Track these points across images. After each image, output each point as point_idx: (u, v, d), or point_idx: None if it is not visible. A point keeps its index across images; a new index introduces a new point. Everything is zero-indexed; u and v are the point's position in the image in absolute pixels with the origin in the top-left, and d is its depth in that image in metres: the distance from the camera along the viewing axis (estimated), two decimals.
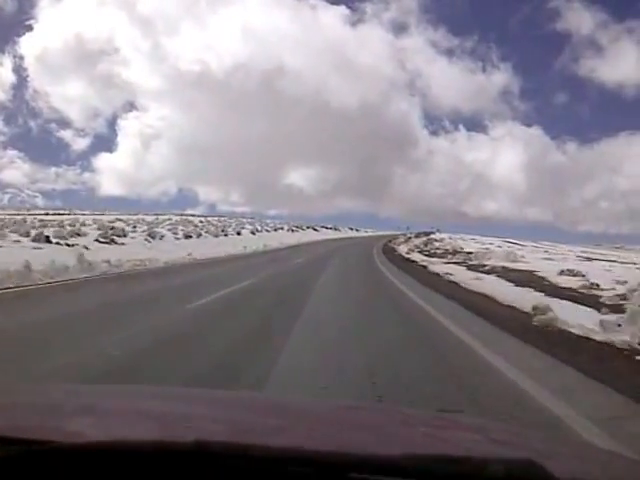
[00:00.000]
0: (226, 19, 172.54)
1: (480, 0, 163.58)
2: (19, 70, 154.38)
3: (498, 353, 5.07)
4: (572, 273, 16.21)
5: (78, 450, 0.79)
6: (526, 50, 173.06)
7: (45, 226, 29.16)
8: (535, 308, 7.29)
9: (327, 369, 4.44)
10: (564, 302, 9.77)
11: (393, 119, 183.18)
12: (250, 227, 59.45)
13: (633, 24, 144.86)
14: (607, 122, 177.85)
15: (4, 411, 1.16)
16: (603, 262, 30.14)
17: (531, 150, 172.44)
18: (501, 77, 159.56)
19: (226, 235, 43.42)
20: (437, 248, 38.51)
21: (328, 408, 1.53)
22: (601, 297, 10.37)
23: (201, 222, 56.04)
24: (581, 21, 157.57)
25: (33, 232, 20.63)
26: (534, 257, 29.81)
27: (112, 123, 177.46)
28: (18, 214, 54.07)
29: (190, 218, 64.91)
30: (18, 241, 19.17)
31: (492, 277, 15.97)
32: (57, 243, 19.64)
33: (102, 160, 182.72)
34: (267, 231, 60.07)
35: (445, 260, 25.66)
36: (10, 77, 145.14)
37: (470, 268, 20.00)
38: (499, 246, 46.24)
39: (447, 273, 16.88)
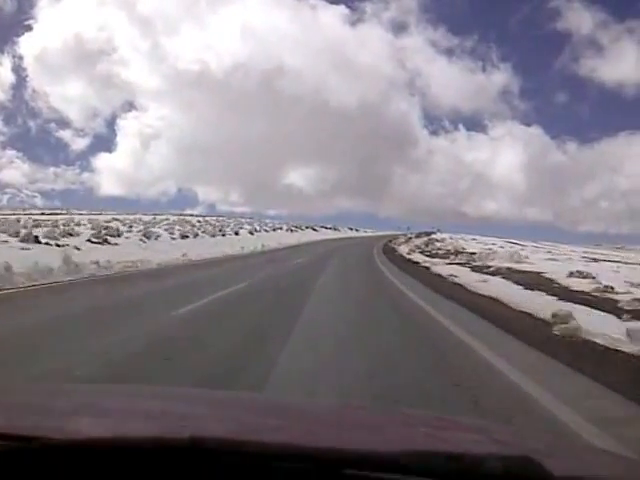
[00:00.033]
0: (226, 19, 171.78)
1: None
2: (18, 70, 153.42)
3: (525, 372, 4.42)
4: (582, 275, 15.56)
5: (75, 446, 0.80)
6: (526, 50, 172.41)
7: (38, 226, 28.49)
8: (555, 316, 6.64)
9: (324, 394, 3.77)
10: (579, 307, 9.10)
11: (393, 119, 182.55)
12: (248, 227, 58.77)
13: (633, 24, 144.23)
14: (607, 122, 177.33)
15: (3, 409, 1.16)
16: (609, 263, 29.53)
17: (531, 150, 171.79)
18: (501, 77, 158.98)
19: (224, 235, 42.74)
20: (438, 248, 37.86)
21: (327, 408, 1.55)
22: (618, 302, 9.72)
23: (199, 222, 55.35)
24: (581, 21, 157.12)
25: (23, 232, 19.96)
26: (537, 258, 29.17)
27: (111, 123, 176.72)
28: (14, 214, 53.39)
29: (188, 218, 64.20)
30: (6, 241, 18.50)
31: (498, 279, 15.31)
32: (46, 243, 18.97)
33: (101, 160, 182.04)
34: (266, 231, 59.39)
35: (447, 261, 25.01)
36: (9, 77, 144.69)
37: (474, 269, 19.35)
38: (501, 246, 45.61)
39: (451, 275, 16.23)
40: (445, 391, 3.89)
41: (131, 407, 1.26)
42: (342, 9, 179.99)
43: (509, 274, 17.07)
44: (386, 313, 8.23)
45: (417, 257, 29.06)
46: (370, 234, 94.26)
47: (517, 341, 5.82)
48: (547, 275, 16.87)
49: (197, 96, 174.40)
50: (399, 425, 1.28)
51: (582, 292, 11.70)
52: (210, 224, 52.82)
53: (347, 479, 0.76)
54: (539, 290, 11.88)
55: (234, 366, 4.50)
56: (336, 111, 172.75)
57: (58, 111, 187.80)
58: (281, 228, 69.80)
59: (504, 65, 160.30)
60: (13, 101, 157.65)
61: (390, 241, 55.45)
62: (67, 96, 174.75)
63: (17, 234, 19.46)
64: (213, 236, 39.71)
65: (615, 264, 28.64)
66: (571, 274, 15.83)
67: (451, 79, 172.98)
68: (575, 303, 9.59)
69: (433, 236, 58.41)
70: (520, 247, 41.21)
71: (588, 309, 8.91)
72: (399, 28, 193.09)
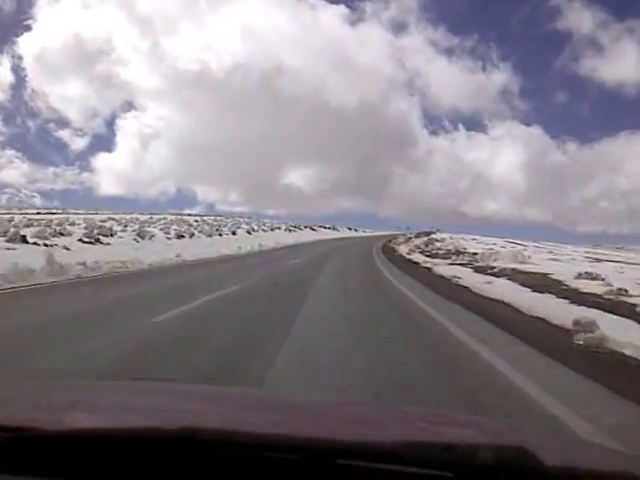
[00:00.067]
0: (225, 18, 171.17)
1: None
2: (17, 70, 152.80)
3: (551, 393, 3.77)
4: (590, 276, 14.96)
5: (69, 437, 0.80)
6: (526, 49, 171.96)
7: (30, 225, 27.84)
8: (577, 323, 6.00)
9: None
10: (594, 311, 8.46)
11: (392, 118, 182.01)
12: (246, 227, 58.10)
13: (634, 23, 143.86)
14: (607, 121, 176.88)
15: (1, 404, 1.16)
16: (612, 263, 28.95)
17: (531, 150, 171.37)
18: (501, 76, 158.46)
19: (220, 235, 42.05)
20: (439, 248, 37.23)
21: (324, 404, 1.56)
22: (636, 305, 9.09)
23: (196, 222, 54.68)
24: (582, 20, 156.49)
25: (12, 231, 19.30)
26: (540, 258, 28.58)
27: (111, 123, 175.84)
28: (8, 213, 52.69)
29: (186, 218, 63.53)
30: None
31: (503, 280, 14.69)
32: (34, 243, 18.30)
33: (101, 160, 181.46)
34: (264, 231, 58.71)
35: (449, 261, 24.38)
36: (8, 77, 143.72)
37: (477, 270, 18.73)
38: (502, 247, 45.02)
39: (454, 276, 15.60)
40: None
41: (127, 402, 1.25)
42: (342, 9, 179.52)
43: (514, 275, 16.45)
44: (390, 320, 7.59)
45: (417, 257, 28.43)
46: (369, 234, 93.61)
47: (538, 353, 5.16)
48: (554, 276, 16.25)
49: (197, 96, 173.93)
50: (394, 419, 1.27)
51: (594, 295, 11.08)
52: (208, 224, 52.14)
53: (340, 470, 0.76)
54: (548, 293, 11.25)
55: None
56: (336, 111, 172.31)
57: (57, 111, 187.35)
58: (279, 228, 69.10)
59: (504, 65, 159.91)
60: (12, 101, 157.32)
61: (389, 241, 54.82)
62: (66, 96, 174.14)
63: (5, 234, 18.81)
64: (210, 236, 39.03)
65: (618, 264, 28.11)
66: (579, 275, 15.21)
67: (451, 79, 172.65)
68: (588, 307, 8.96)
69: (433, 236, 57.78)
70: (522, 247, 40.62)
71: (604, 314, 8.28)
72: (399, 28, 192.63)
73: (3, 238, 18.24)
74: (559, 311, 8.22)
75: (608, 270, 19.92)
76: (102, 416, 1.06)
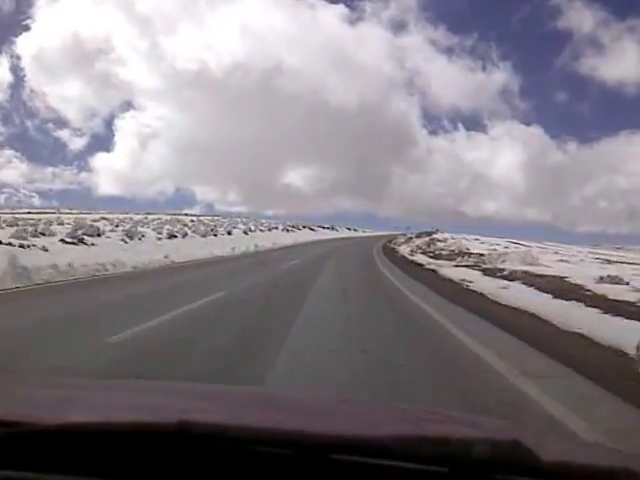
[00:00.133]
0: (225, 18, 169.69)
1: None
2: (16, 70, 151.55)
3: None
4: (613, 280, 13.70)
5: (62, 431, 0.80)
6: (526, 49, 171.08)
7: (14, 225, 26.57)
8: None
9: None
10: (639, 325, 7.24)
11: (392, 118, 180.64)
12: (243, 227, 56.78)
13: (634, 22, 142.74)
14: (608, 121, 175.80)
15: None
16: (626, 265, 27.71)
17: (530, 149, 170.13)
18: (501, 76, 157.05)
19: (215, 235, 40.71)
20: (442, 249, 35.94)
21: (322, 401, 1.53)
22: None
23: (192, 221, 53.43)
24: (582, 19, 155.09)
25: None
26: (548, 259, 27.34)
27: (109, 123, 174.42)
28: (0, 213, 51.43)
29: (181, 217, 62.26)
30: None
31: (519, 285, 13.40)
32: (9, 244, 16.97)
33: (99, 160, 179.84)
34: (261, 231, 57.38)
35: (454, 263, 23.08)
36: (7, 77, 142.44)
37: (486, 273, 17.44)
38: (506, 247, 43.80)
39: (464, 280, 14.32)
40: None
41: (125, 398, 1.25)
42: (341, 8, 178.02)
43: (528, 279, 15.17)
44: (399, 337, 6.30)
45: (420, 259, 27.17)
46: (368, 234, 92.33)
47: (605, 392, 3.86)
48: (572, 280, 14.97)
49: (195, 96, 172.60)
50: (390, 416, 1.26)
51: (627, 303, 9.79)
52: (203, 224, 50.87)
53: (333, 464, 0.76)
54: (574, 300, 9.96)
55: None
56: (335, 110, 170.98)
57: (56, 111, 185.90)
58: (277, 228, 67.78)
59: (504, 64, 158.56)
60: (11, 101, 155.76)
61: (390, 241, 53.58)
62: (65, 96, 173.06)
63: None
64: (204, 236, 37.69)
65: (631, 266, 26.91)
66: (601, 279, 13.96)
67: (451, 78, 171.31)
68: (628, 318, 7.71)
69: (434, 236, 56.49)
70: (526, 248, 39.39)
71: None
72: (398, 27, 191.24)
73: None
74: (600, 325, 6.96)
75: (625, 273, 18.69)
76: (99, 412, 1.05)
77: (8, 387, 1.37)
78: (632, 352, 4.89)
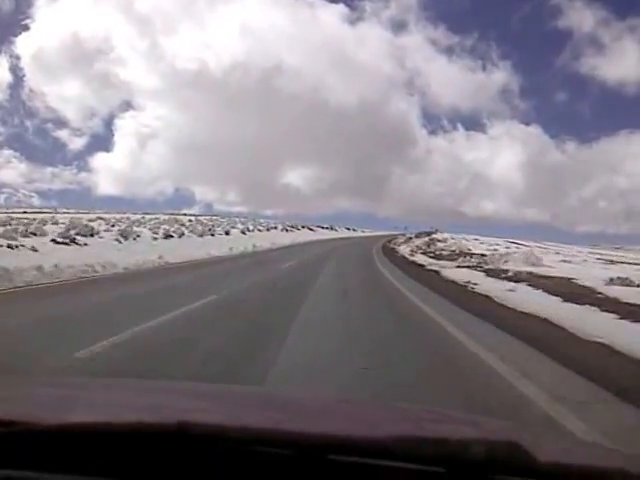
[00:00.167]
0: (224, 17, 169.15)
1: None
2: (15, 70, 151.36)
3: None
4: (624, 282, 13.18)
5: (61, 431, 0.80)
6: (526, 48, 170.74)
7: (7, 224, 25.99)
8: None
9: None
10: None
11: (392, 118, 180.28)
12: (241, 226, 56.18)
13: (635, 22, 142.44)
14: (607, 121, 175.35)
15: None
16: (630, 265, 27.19)
17: (530, 149, 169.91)
18: (501, 75, 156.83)
19: (213, 235, 40.12)
20: (442, 249, 35.42)
21: (322, 402, 1.52)
22: None
23: (190, 221, 52.84)
24: (582, 19, 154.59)
25: None
26: (551, 260, 26.85)
27: (109, 123, 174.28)
28: None
29: (179, 217, 61.62)
30: None
31: (525, 287, 12.87)
32: None
33: (99, 160, 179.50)
34: (259, 231, 56.79)
35: (456, 264, 22.55)
36: (6, 77, 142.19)
37: (489, 274, 16.91)
38: (507, 247, 43.30)
39: (468, 281, 13.78)
40: None
41: (126, 398, 1.24)
42: (341, 8, 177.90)
43: (534, 280, 14.65)
44: (403, 348, 5.76)
45: (421, 259, 26.64)
46: (368, 234, 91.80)
47: None
48: (579, 282, 14.45)
49: (195, 95, 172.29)
50: (390, 416, 1.25)
51: None
52: (201, 223, 50.28)
53: (333, 465, 0.75)
54: (587, 304, 9.42)
55: None
56: (335, 110, 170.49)
57: (55, 111, 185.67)
58: (276, 228, 67.19)
59: (504, 64, 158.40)
60: (10, 101, 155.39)
61: (389, 241, 53.08)
62: (64, 96, 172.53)
63: None
64: (201, 236, 37.10)
65: (634, 266, 26.40)
66: (611, 281, 13.44)
67: (451, 78, 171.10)
68: None
69: (434, 236, 55.96)
70: (527, 248, 38.87)
71: None
72: (399, 27, 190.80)
73: None
74: (620, 332, 6.42)
75: (632, 274, 18.16)
76: (99, 412, 1.05)
77: (8, 387, 1.36)
78: None
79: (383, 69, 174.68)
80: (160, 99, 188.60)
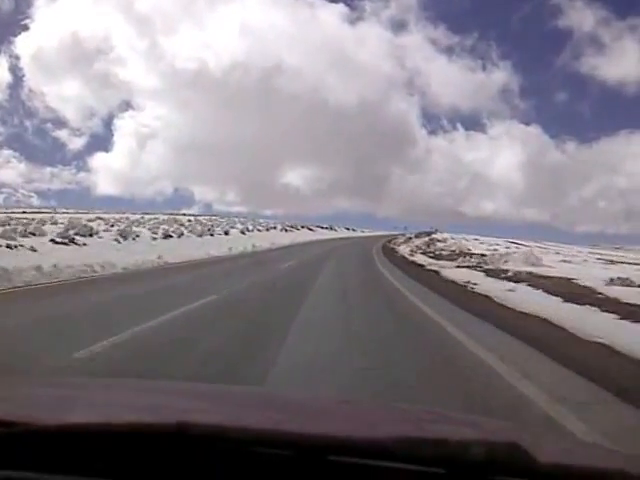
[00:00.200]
0: (224, 17, 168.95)
1: None
2: (15, 70, 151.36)
3: None
4: (624, 282, 13.16)
5: (59, 432, 0.79)
6: (527, 48, 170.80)
7: (6, 224, 25.96)
8: None
9: None
10: None
11: (391, 118, 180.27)
12: (241, 226, 56.14)
13: (635, 21, 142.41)
14: (607, 121, 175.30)
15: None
16: (630, 266, 27.17)
17: (530, 149, 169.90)
18: (501, 75, 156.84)
19: (212, 235, 40.08)
20: (442, 249, 35.40)
21: (322, 402, 1.53)
22: None
23: (189, 221, 52.82)
24: (583, 18, 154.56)
25: None
26: (551, 260, 26.83)
27: (108, 123, 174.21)
28: None
29: (179, 217, 61.58)
30: None
31: (525, 287, 12.85)
32: None
33: (98, 160, 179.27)
34: (259, 231, 56.76)
35: (456, 264, 22.54)
36: (6, 77, 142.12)
37: (489, 274, 16.89)
38: (507, 247, 43.29)
39: (468, 281, 13.76)
40: None
41: (125, 398, 1.24)
42: (341, 7, 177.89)
43: (534, 280, 14.63)
44: (403, 348, 5.75)
45: (421, 259, 26.62)
46: (367, 234, 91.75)
47: None
48: (579, 282, 14.43)
49: (194, 95, 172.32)
50: (390, 417, 1.25)
51: None
52: (201, 223, 50.26)
53: (333, 466, 0.75)
54: (587, 304, 9.40)
55: None
56: (334, 110, 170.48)
57: (55, 111, 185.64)
58: (275, 228, 67.16)
59: (504, 63, 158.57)
60: (10, 101, 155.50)
61: (389, 241, 53.06)
62: (64, 96, 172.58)
63: None
64: (200, 236, 37.07)
65: (634, 266, 26.37)
66: (611, 281, 13.43)
67: (450, 78, 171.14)
68: None
69: (434, 236, 55.94)
70: (527, 248, 38.86)
71: None
72: (399, 26, 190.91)
73: None
74: (620, 333, 6.41)
75: (632, 274, 18.14)
76: (99, 412, 1.04)
77: (8, 387, 1.36)
78: None
79: (383, 69, 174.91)
80: (159, 99, 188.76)
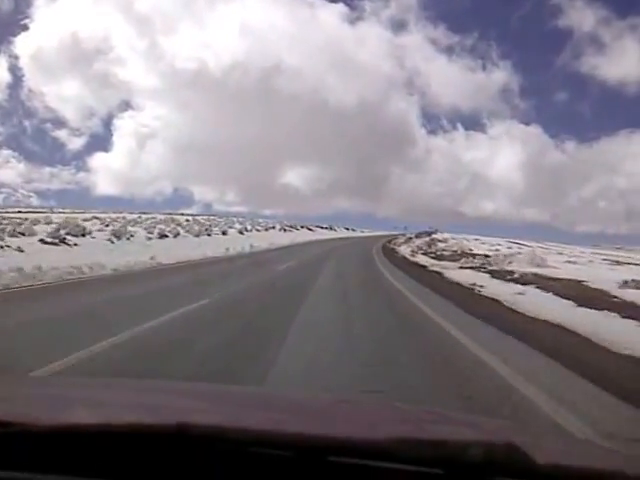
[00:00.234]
0: (224, 17, 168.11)
1: None
2: (14, 70, 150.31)
3: None
4: (639, 285, 12.53)
5: (59, 432, 0.79)
6: (527, 47, 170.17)
7: None
8: None
9: None
10: None
11: (391, 118, 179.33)
12: (239, 226, 55.51)
13: (636, 21, 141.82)
14: (607, 120, 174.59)
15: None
16: (634, 266, 26.55)
17: (529, 149, 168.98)
18: (501, 75, 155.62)
19: (209, 235, 39.43)
20: (443, 250, 34.78)
21: (322, 402, 1.50)
22: None
23: (187, 221, 52.21)
24: (583, 18, 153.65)
25: None
26: (555, 261, 26.23)
27: (108, 123, 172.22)
28: None
29: (176, 217, 60.97)
30: None
31: (534, 290, 12.22)
32: None
33: (97, 160, 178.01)
34: (257, 230, 56.11)
35: (459, 265, 21.92)
36: (5, 77, 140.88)
37: (494, 276, 16.27)
38: (509, 247, 42.71)
39: (474, 284, 13.14)
40: None
41: (124, 398, 1.23)
42: (341, 7, 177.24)
43: (542, 283, 14.00)
44: (407, 359, 5.11)
45: (422, 260, 26.02)
46: (367, 234, 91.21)
47: None
48: (590, 284, 13.80)
49: (194, 95, 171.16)
50: (390, 417, 1.25)
51: None
52: (199, 223, 49.65)
53: (331, 466, 0.75)
54: (604, 309, 8.77)
55: None
56: (334, 110, 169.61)
57: (54, 111, 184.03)
58: (274, 228, 66.53)
59: (504, 63, 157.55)
60: (9, 101, 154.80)
61: (389, 241, 52.46)
62: (63, 96, 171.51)
63: None
64: (197, 236, 36.42)
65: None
66: (625, 283, 12.80)
67: (450, 78, 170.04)
68: None
69: (434, 236, 55.34)
70: (529, 248, 38.24)
71: None
72: (398, 26, 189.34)
73: None
74: None
75: None
76: (98, 412, 1.04)
77: (6, 387, 1.34)
78: None
79: (383, 69, 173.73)
80: (159, 99, 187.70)
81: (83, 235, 23.27)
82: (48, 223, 30.95)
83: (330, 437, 0.79)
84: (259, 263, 19.63)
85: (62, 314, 6.90)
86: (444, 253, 31.14)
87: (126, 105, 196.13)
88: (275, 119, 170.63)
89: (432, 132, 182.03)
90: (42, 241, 18.91)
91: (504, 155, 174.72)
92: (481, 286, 12.55)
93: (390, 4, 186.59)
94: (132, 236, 26.84)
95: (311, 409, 1.25)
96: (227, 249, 26.51)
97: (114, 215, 53.38)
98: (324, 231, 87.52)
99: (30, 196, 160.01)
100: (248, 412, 1.12)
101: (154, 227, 36.25)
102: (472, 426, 1.19)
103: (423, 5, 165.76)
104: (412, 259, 26.87)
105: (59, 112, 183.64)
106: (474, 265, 21.27)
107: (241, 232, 49.05)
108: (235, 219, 69.73)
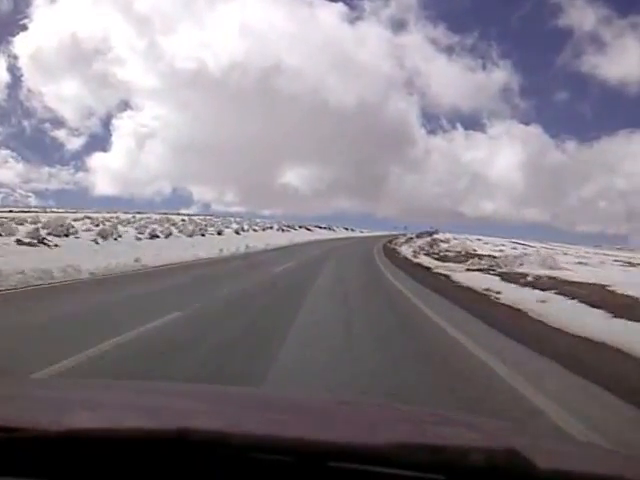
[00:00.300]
0: (223, 17, 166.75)
1: None
2: (13, 69, 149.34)
3: None
4: None
5: (60, 437, 0.79)
6: (527, 47, 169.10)
7: None
8: None
9: None
10: None
11: (391, 118, 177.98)
12: (235, 226, 54.24)
13: (637, 19, 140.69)
14: (608, 120, 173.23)
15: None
16: None
17: (530, 149, 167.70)
18: (501, 75, 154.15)
19: (203, 235, 38.12)
20: (447, 250, 33.52)
21: (322, 404, 1.49)
22: None
23: (183, 221, 50.99)
24: (583, 17, 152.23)
25: None
26: (565, 261, 25.03)
27: (107, 122, 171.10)
28: None
29: (172, 217, 59.73)
30: None
31: (554, 295, 10.91)
32: None
33: (96, 160, 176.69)
34: (254, 230, 54.82)
35: (465, 266, 20.66)
36: (4, 76, 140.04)
37: (506, 279, 14.97)
38: (513, 248, 41.53)
39: (488, 289, 11.85)
40: None
41: (125, 401, 1.22)
42: (340, 7, 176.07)
43: (562, 288, 12.67)
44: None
45: (425, 261, 24.76)
46: (366, 234, 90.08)
47: None
48: (615, 289, 12.55)
49: (193, 95, 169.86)
50: (391, 419, 1.24)
51: None
52: (194, 223, 48.41)
53: (332, 472, 0.76)
54: None
55: None
56: (334, 110, 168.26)
57: (53, 111, 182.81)
58: (272, 227, 65.24)
59: (504, 63, 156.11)
60: (8, 101, 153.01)
61: (389, 242, 51.25)
62: (62, 96, 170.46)
63: None
64: (190, 236, 35.13)
65: None
66: None
67: (450, 77, 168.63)
68: None
69: (436, 236, 54.10)
70: (534, 249, 37.00)
71: None
72: (398, 26, 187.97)
73: None
74: None
75: None
76: (99, 414, 1.04)
77: (7, 390, 1.33)
78: None
79: (382, 68, 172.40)
80: (158, 99, 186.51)
81: (66, 235, 21.98)
82: (34, 222, 29.69)
83: (330, 442, 0.78)
84: (254, 265, 18.49)
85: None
86: (448, 254, 29.87)
87: (125, 105, 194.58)
88: (275, 119, 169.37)
89: (432, 132, 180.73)
90: (19, 241, 17.59)
91: (504, 155, 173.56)
92: (497, 292, 11.26)
93: (390, 4, 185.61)
94: (120, 236, 25.54)
95: (311, 411, 1.24)
96: (221, 250, 25.21)
97: (107, 215, 52.18)
98: (323, 231, 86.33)
99: (28, 196, 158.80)
100: (248, 415, 1.11)
101: (146, 227, 34.95)
102: (473, 428, 1.18)
103: (423, 5, 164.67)
104: (415, 260, 25.61)
105: (58, 112, 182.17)
106: (482, 267, 20.00)
107: (237, 232, 47.81)
108: (232, 219, 68.49)
